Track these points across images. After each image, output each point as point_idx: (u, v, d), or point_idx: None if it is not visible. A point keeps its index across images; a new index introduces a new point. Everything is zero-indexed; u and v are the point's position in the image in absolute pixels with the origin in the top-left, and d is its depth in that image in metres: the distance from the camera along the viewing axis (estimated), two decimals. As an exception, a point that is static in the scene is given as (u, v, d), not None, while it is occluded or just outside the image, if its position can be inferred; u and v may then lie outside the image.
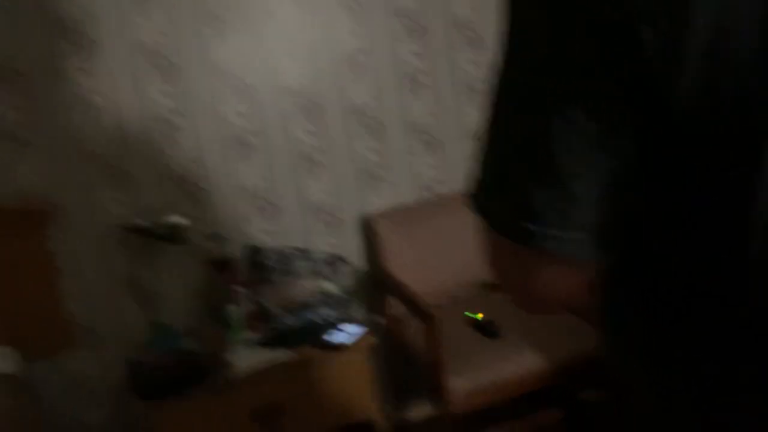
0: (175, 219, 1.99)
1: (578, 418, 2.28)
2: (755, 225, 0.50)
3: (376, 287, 2.40)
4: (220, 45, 2.13)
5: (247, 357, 1.89)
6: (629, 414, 0.66)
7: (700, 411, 0.57)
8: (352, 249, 2.40)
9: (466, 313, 2.22)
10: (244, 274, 2.21)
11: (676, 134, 0.50)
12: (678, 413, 0.59)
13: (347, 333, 1.91)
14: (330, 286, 2.16)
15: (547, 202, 0.52)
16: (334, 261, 2.28)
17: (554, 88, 0.50)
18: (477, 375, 1.95)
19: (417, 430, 2.42)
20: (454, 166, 2.48)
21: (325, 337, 1.91)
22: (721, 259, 0.52)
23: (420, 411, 2.50)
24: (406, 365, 2.33)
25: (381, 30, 2.31)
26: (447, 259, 2.36)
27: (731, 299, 0.52)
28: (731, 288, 0.52)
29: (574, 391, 2.34)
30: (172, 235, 2.00)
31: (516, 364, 1.98)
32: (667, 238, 0.55)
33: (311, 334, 1.94)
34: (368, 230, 2.39)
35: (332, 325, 1.99)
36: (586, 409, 2.28)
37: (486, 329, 2.12)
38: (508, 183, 0.54)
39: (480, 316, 2.19)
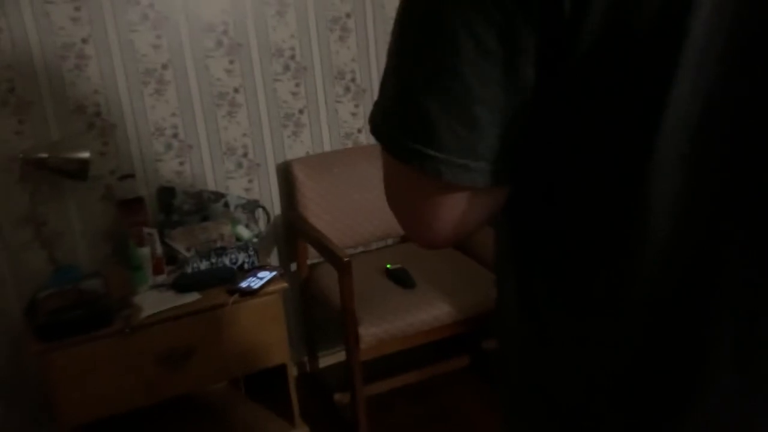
0: (80, 154, 1.89)
1: (482, 366, 2.36)
2: (653, 170, 0.49)
3: (292, 234, 2.37)
4: (133, -29, 2.00)
5: (153, 300, 1.84)
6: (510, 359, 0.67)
7: (577, 366, 0.58)
8: (270, 194, 2.35)
9: (387, 265, 2.23)
10: (154, 216, 2.13)
11: (577, 74, 0.49)
12: (558, 366, 0.60)
13: (259, 278, 1.88)
14: (244, 231, 2.12)
15: (450, 128, 0.50)
16: (250, 206, 2.24)
17: (467, 9, 0.47)
18: (388, 323, 1.97)
19: (329, 376, 2.45)
20: (377, 115, 2.45)
21: (237, 281, 1.87)
22: (616, 209, 0.52)
23: (332, 357, 2.52)
24: (320, 312, 2.34)
25: (307, -31, 2.22)
26: (366, 209, 2.36)
27: (625, 248, 0.52)
28: (626, 234, 0.52)
29: (479, 341, 2.41)
30: (77, 171, 1.89)
31: (426, 313, 2.01)
32: (562, 180, 0.54)
33: (222, 279, 1.90)
34: (286, 176, 2.34)
35: (244, 271, 1.96)
36: (488, 357, 2.36)
37: (401, 279, 2.14)
38: (409, 102, 0.51)
39: (389, 265, 2.21)
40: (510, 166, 0.53)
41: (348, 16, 2.33)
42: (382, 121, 0.54)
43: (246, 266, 1.97)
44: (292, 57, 2.28)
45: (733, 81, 0.47)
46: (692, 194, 0.49)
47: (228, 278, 1.89)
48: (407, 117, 0.51)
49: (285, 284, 1.92)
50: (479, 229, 0.59)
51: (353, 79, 2.39)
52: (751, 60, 0.47)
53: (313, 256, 2.30)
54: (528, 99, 0.50)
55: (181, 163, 2.19)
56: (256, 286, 1.85)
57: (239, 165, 2.28)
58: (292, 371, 2.04)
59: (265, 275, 1.90)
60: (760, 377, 0.53)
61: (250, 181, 2.31)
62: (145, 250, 1.92)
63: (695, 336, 0.52)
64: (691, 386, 0.53)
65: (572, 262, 0.55)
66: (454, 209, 0.54)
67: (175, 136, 2.16)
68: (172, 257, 2.01)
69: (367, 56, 2.39)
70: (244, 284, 1.86)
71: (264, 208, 2.27)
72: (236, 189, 2.29)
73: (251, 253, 1.99)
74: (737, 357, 0.52)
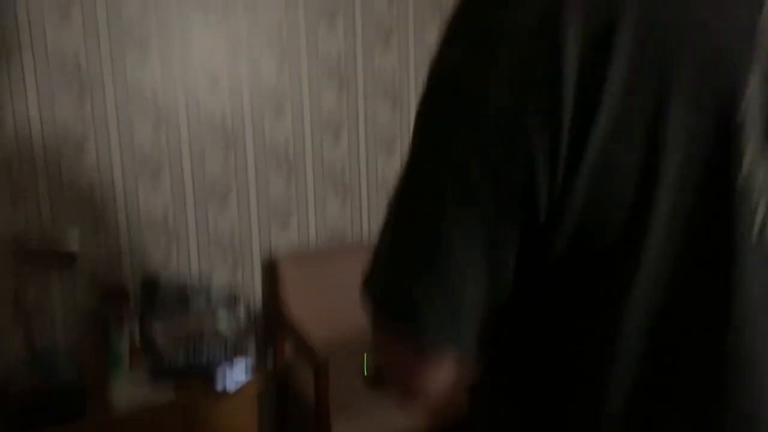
0: (70, 242, 1.92)
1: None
2: (619, 357, 0.53)
3: (272, 328, 2.38)
4: (140, 66, 2.09)
5: (128, 392, 1.82)
6: None
7: None
8: (253, 288, 2.38)
9: (365, 366, 2.23)
10: (136, 305, 2.14)
11: (554, 262, 0.54)
12: None
13: (234, 376, 1.88)
14: (224, 325, 2.13)
15: (433, 299, 0.54)
16: (233, 299, 2.26)
17: (456, 195, 0.52)
18: (361, 425, 1.96)
19: (299, 477, 2.39)
20: (364, 214, 2.52)
21: (213, 378, 1.87)
22: (588, 379, 0.56)
23: (304, 457, 2.47)
24: (296, 409, 2.31)
25: (305, 74, 2.34)
26: (348, 307, 2.38)
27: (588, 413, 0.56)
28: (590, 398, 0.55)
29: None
30: (64, 263, 1.92)
31: (401, 416, 2.00)
32: (535, 351, 0.58)
33: (198, 374, 1.89)
34: (271, 270, 2.38)
35: (221, 366, 1.96)
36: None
37: (378, 380, 2.14)
38: (402, 283, 0.55)
39: (367, 363, 2.21)
40: (478, 347, 0.57)
41: (341, 122, 2.43)
42: (375, 289, 0.59)
43: (222, 361, 1.97)
44: (286, 154, 2.36)
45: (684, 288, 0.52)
46: (645, 377, 0.53)
47: (204, 374, 1.89)
48: (399, 294, 0.56)
49: (260, 384, 1.91)
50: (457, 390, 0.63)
51: (342, 178, 2.47)
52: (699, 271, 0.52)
53: (292, 352, 2.30)
54: (509, 282, 0.55)
55: (168, 254, 2.22)
56: (230, 384, 1.84)
57: (225, 257, 2.32)
58: (262, 472, 2.00)
59: (240, 372, 1.90)
60: None
61: (234, 273, 2.34)
62: (124, 340, 1.92)
63: None
64: None
65: (542, 405, 0.59)
66: (431, 377, 0.58)
67: (164, 227, 2.21)
68: (150, 348, 2.00)
69: (357, 158, 2.48)
70: (218, 381, 1.85)
71: (246, 301, 2.29)
72: (220, 281, 2.32)
73: (227, 348, 1.99)
74: None
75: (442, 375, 0.58)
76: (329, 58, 2.37)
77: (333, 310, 2.37)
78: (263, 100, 2.29)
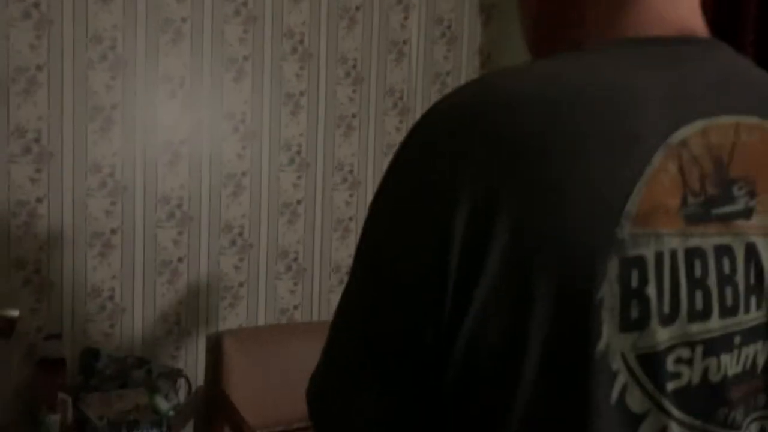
0: (9, 312, 1.89)
1: None
2: None
3: (212, 408, 2.35)
4: (100, 140, 2.12)
5: (53, 473, 1.77)
6: None
7: None
8: (195, 365, 2.35)
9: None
10: (73, 379, 2.10)
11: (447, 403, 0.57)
12: None
13: (168, 460, 1.84)
14: (162, 403, 2.09)
15: (343, 416, 0.60)
16: (173, 374, 2.23)
17: (359, 343, 0.58)
18: None
19: None
20: (315, 295, 2.54)
21: (144, 460, 1.83)
22: None
23: None
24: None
25: (265, 156, 2.40)
26: (291, 389, 2.36)
27: None
28: None
29: None
30: (2, 329, 1.88)
31: None
32: None
33: (130, 456, 1.85)
34: (215, 347, 2.36)
35: (155, 448, 1.92)
36: None
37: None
38: (325, 392, 0.62)
39: (310, 454, 2.18)
40: None
41: (299, 203, 2.48)
42: (314, 392, 0.64)
43: (157, 444, 1.93)
44: (240, 234, 2.39)
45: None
46: None
47: (136, 457, 1.85)
48: (312, 405, 0.63)
49: (194, 469, 1.88)
50: None
51: (295, 259, 2.50)
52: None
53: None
54: (404, 416, 0.59)
55: (112, 326, 2.20)
56: (163, 469, 1.80)
57: (169, 332, 2.30)
58: None
59: (175, 457, 1.86)
60: None
61: (177, 348, 2.32)
62: (55, 417, 1.87)
63: None
64: None
65: None
66: None
67: (110, 298, 2.19)
68: (83, 425, 1.96)
69: (312, 242, 2.52)
70: (151, 465, 1.81)
71: (187, 378, 2.26)
72: (163, 356, 2.29)
73: (164, 429, 1.95)
74: None
75: None
76: (291, 143, 2.43)
77: (276, 392, 2.35)
78: (222, 178, 2.33)
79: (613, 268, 0.53)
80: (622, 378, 0.54)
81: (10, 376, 2.05)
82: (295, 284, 2.51)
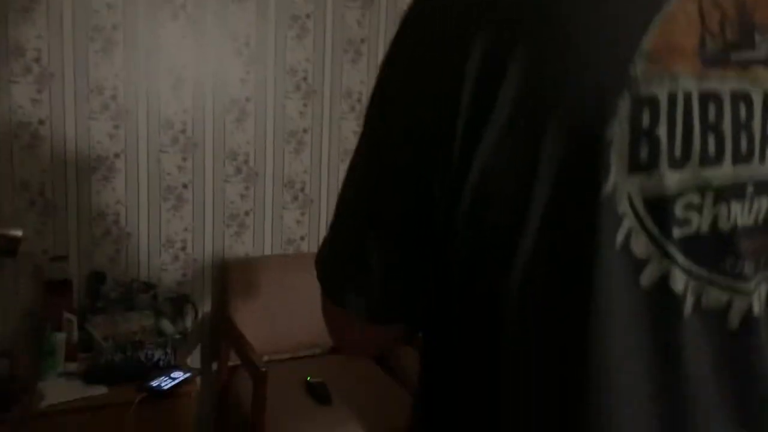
0: (12, 231, 1.89)
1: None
2: (504, 356, 0.56)
3: (217, 334, 2.36)
4: (103, 61, 2.08)
5: (59, 389, 1.79)
6: None
7: None
8: (202, 291, 2.36)
9: (308, 377, 2.22)
10: (80, 301, 2.12)
11: (449, 259, 0.58)
12: None
13: (171, 379, 1.86)
14: (168, 326, 2.11)
15: (349, 273, 0.62)
16: (179, 300, 2.24)
17: (370, 186, 0.60)
18: (297, 439, 1.94)
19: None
20: (322, 226, 2.52)
21: (149, 379, 1.85)
22: (472, 378, 0.60)
23: (241, 466, 2.44)
24: (235, 417, 2.29)
25: (271, 83, 2.34)
26: (298, 316, 2.37)
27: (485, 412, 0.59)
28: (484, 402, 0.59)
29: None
30: (6, 248, 1.89)
31: (340, 430, 1.99)
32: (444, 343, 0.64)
33: (135, 374, 1.87)
34: (222, 274, 2.36)
35: (159, 368, 1.93)
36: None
37: (318, 394, 2.13)
38: (332, 251, 0.65)
39: (310, 378, 2.20)
40: (388, 310, 0.63)
41: (305, 131, 2.44)
42: (319, 253, 0.69)
43: (161, 363, 1.95)
44: (246, 162, 2.36)
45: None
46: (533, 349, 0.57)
47: (139, 374, 1.86)
48: (328, 256, 0.66)
49: (197, 388, 1.89)
50: (391, 349, 0.70)
51: (302, 189, 2.47)
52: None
53: (236, 359, 2.28)
54: (409, 264, 0.60)
55: (117, 251, 2.20)
56: (166, 387, 1.82)
57: (176, 258, 2.30)
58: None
59: (179, 376, 1.88)
60: None
61: (184, 275, 2.32)
62: (61, 336, 1.89)
63: None
64: None
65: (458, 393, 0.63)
66: (354, 332, 0.68)
67: (115, 222, 2.19)
68: (89, 345, 1.98)
69: (318, 169, 2.48)
70: (154, 383, 1.83)
71: (193, 304, 2.27)
72: (169, 282, 2.30)
73: (168, 350, 1.97)
74: None
75: (362, 334, 0.67)
76: (296, 68, 2.38)
77: (282, 320, 2.35)
78: (226, 104, 2.29)
79: (624, 106, 0.52)
80: (627, 222, 0.53)
81: (17, 295, 2.07)
82: (302, 215, 2.49)
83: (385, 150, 0.59)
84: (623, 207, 0.53)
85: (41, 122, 2.03)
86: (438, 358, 0.67)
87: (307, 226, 2.51)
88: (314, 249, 2.54)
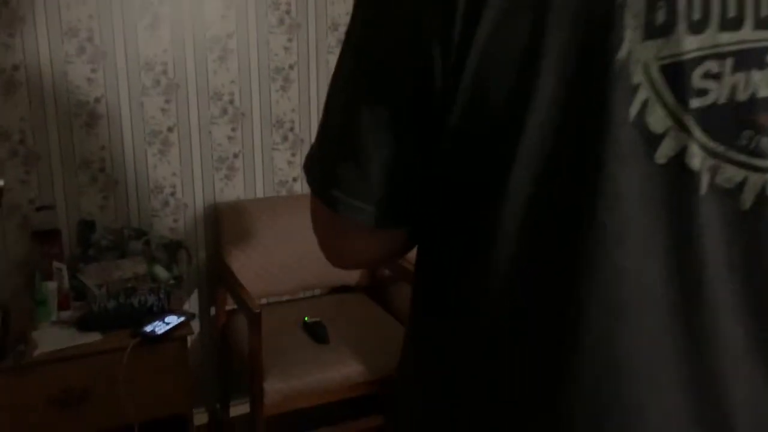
0: (-6, 182, 1.85)
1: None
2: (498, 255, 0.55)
3: (213, 278, 2.35)
4: (75, 2, 2.00)
5: (53, 337, 1.79)
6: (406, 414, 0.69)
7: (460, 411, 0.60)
8: (195, 236, 2.33)
9: (305, 318, 2.21)
10: (69, 249, 2.09)
11: (444, 152, 0.56)
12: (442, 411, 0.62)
13: (165, 323, 1.84)
14: (162, 272, 2.08)
15: (348, 175, 0.59)
16: (172, 246, 2.21)
17: (363, 79, 0.58)
18: (295, 379, 1.94)
19: (239, 426, 2.39)
20: (313, 166, 2.47)
21: (143, 325, 1.83)
22: (469, 264, 0.58)
23: (244, 407, 2.46)
24: (235, 360, 2.29)
25: (253, 18, 2.25)
26: (293, 258, 2.34)
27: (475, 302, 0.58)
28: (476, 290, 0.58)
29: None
30: (-11, 198, 1.85)
31: (336, 371, 1.99)
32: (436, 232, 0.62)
33: (128, 320, 1.86)
34: (214, 219, 2.33)
35: (153, 314, 1.92)
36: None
37: (315, 333, 2.12)
38: (323, 154, 0.62)
39: (307, 318, 2.19)
40: (394, 214, 0.61)
41: (291, 67, 2.36)
42: (307, 160, 0.66)
43: (155, 309, 1.94)
44: (231, 102, 2.29)
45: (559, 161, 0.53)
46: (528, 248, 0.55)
47: (133, 320, 1.85)
48: (321, 163, 0.63)
49: (191, 331, 1.88)
50: (385, 262, 0.70)
51: (292, 129, 2.41)
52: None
53: (232, 303, 2.27)
54: (411, 162, 0.59)
55: (105, 198, 2.16)
56: (160, 332, 1.81)
57: (166, 203, 2.26)
58: (195, 418, 1.99)
59: (172, 320, 1.86)
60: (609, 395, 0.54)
61: (175, 221, 2.29)
62: (53, 285, 1.87)
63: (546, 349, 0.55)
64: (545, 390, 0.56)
65: (444, 278, 0.62)
66: (353, 241, 0.65)
67: (101, 170, 2.14)
68: (82, 293, 1.96)
69: (308, 107, 2.42)
70: (148, 328, 1.82)
71: (186, 249, 2.25)
72: (160, 228, 2.26)
73: (162, 296, 1.95)
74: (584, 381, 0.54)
75: (357, 243, 0.65)
76: (279, 1, 2.28)
77: (276, 263, 2.33)
78: (207, 42, 2.20)
79: None
80: (642, 93, 0.50)
81: (6, 247, 2.04)
82: (293, 155, 2.44)
83: (381, 40, 0.57)
84: (638, 76, 0.49)
85: (15, 68, 1.96)
86: (433, 267, 0.64)
87: (299, 166, 2.45)
88: (307, 190, 2.49)
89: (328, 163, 0.61)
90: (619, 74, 0.50)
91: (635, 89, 0.50)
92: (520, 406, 0.56)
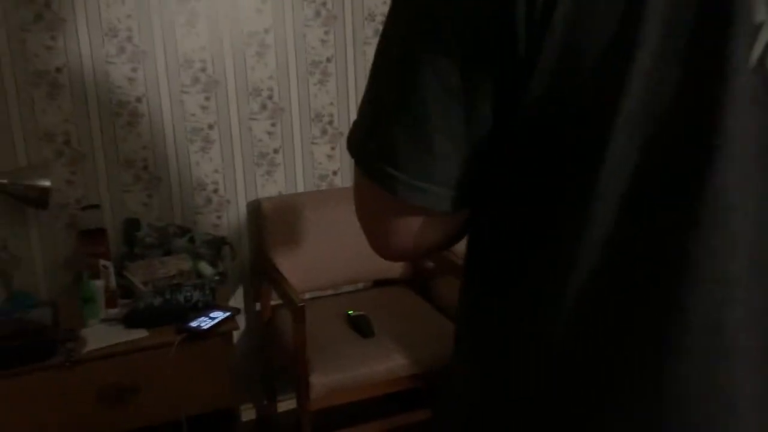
0: (42, 181, 1.88)
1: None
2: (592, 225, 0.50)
3: (258, 274, 2.35)
4: (114, 2, 2.02)
5: (101, 334, 1.81)
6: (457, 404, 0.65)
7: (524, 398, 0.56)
8: (239, 232, 2.34)
9: (349, 311, 2.19)
10: (115, 248, 2.12)
11: (526, 121, 0.51)
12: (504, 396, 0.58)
13: (210, 319, 1.85)
14: (207, 269, 2.09)
15: (411, 153, 0.53)
16: (217, 242, 2.22)
17: (433, 49, 0.51)
18: (340, 373, 1.92)
19: (281, 423, 2.39)
20: (354, 159, 2.44)
21: (189, 321, 1.84)
22: (557, 243, 0.53)
23: (291, 403, 2.46)
24: (280, 355, 2.29)
25: (290, 12, 2.24)
26: (336, 252, 2.33)
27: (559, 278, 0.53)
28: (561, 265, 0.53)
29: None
30: (37, 199, 1.89)
31: (381, 364, 1.96)
32: (511, 210, 0.56)
33: (174, 317, 1.87)
34: (256, 215, 2.33)
35: (199, 309, 1.93)
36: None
37: (360, 327, 2.10)
38: (379, 127, 0.55)
39: (351, 312, 2.17)
40: (466, 194, 0.55)
41: (329, 60, 2.34)
42: (355, 137, 0.59)
43: (200, 305, 1.94)
44: (270, 97, 2.28)
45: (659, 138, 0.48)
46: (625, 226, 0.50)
47: (179, 316, 1.86)
48: (375, 138, 0.55)
49: (236, 326, 1.88)
50: (437, 251, 0.62)
51: (330, 122, 2.39)
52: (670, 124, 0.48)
53: (277, 298, 2.27)
54: (486, 134, 0.53)
55: (149, 196, 2.18)
56: (205, 327, 1.81)
57: (209, 201, 2.27)
58: (243, 413, 1.99)
59: (218, 316, 1.87)
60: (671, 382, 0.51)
61: (218, 217, 2.30)
62: (100, 283, 1.90)
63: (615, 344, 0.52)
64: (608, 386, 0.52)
65: (519, 270, 0.57)
66: (408, 227, 0.58)
67: (145, 168, 2.16)
68: (129, 291, 1.98)
69: (346, 100, 2.39)
70: (193, 324, 1.82)
71: (231, 246, 2.25)
72: (204, 225, 2.28)
73: (207, 291, 1.96)
74: (649, 377, 0.51)
75: (414, 230, 0.58)
76: (315, -6, 2.27)
77: (320, 257, 2.32)
78: (244, 38, 2.20)
79: None
80: (766, 33, 0.45)
81: (55, 246, 2.08)
82: (332, 149, 2.42)
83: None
84: (762, 14, 0.44)
85: (59, 70, 1.99)
86: (497, 253, 0.58)
87: (339, 160, 2.44)
88: (348, 183, 2.48)
89: (383, 138, 0.54)
90: (740, 14, 0.44)
91: (758, 29, 0.45)
92: (611, 397, 0.52)
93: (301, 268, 2.29)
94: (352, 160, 0.59)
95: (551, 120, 0.50)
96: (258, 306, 2.38)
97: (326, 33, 2.31)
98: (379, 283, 2.51)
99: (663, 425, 0.51)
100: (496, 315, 0.59)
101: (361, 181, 0.59)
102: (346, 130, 2.41)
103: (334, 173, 2.44)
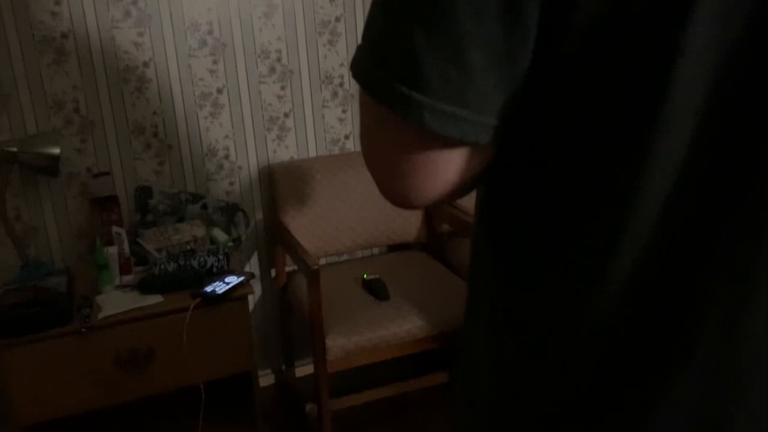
0: (51, 149, 1.87)
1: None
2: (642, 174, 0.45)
3: (272, 239, 2.33)
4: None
5: (116, 300, 1.81)
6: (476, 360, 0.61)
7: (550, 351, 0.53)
8: (251, 198, 2.32)
9: (365, 275, 2.18)
10: (128, 215, 2.11)
11: (582, 38, 0.44)
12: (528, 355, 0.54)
13: (225, 283, 1.84)
14: (220, 235, 2.08)
15: (439, 68, 0.43)
16: (230, 209, 2.20)
17: None
18: (357, 335, 1.91)
19: (299, 387, 2.39)
20: (366, 122, 2.40)
21: (204, 286, 1.83)
22: (601, 195, 0.47)
23: (309, 367, 2.47)
24: (297, 320, 2.29)
25: (296, -30, 2.19)
26: (350, 217, 2.31)
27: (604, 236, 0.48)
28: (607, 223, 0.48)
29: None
30: (47, 166, 1.87)
31: (397, 326, 1.95)
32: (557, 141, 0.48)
33: (189, 282, 1.86)
34: (269, 180, 2.30)
35: (213, 275, 1.92)
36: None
37: (376, 290, 2.08)
38: (397, 41, 0.44)
39: (366, 275, 2.15)
40: (504, 122, 0.46)
41: (338, 19, 2.29)
42: (362, 58, 0.48)
43: (215, 270, 1.93)
44: (279, 59, 2.24)
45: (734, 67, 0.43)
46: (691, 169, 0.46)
47: (193, 282, 1.85)
48: (392, 52, 0.45)
49: (251, 290, 1.87)
50: (459, 195, 0.53)
51: (341, 84, 2.35)
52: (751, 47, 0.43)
53: (292, 264, 2.25)
54: (528, 51, 0.44)
55: (161, 163, 2.16)
56: (220, 291, 1.80)
57: (220, 167, 2.25)
58: (261, 380, 1.99)
59: (232, 280, 1.86)
60: (739, 359, 0.48)
61: (231, 183, 2.27)
62: (113, 250, 1.89)
63: (679, 310, 0.48)
64: (670, 361, 0.49)
65: (559, 224, 0.50)
66: (435, 163, 0.47)
67: (155, 135, 2.14)
68: (143, 258, 1.98)
69: (356, 61, 2.34)
70: (208, 288, 1.81)
71: (244, 212, 2.23)
72: (216, 191, 2.26)
73: (221, 257, 1.95)
74: (718, 338, 0.48)
75: (441, 166, 0.48)
76: (322, -48, 2.21)
77: (333, 222, 2.30)
78: (251, 3, 2.15)
79: None
80: None
81: (68, 214, 2.07)
82: (344, 112, 2.38)
83: None
84: None
85: (64, 36, 1.96)
86: (521, 213, 0.52)
87: (351, 123, 2.40)
88: (360, 148, 2.44)
89: (402, 53, 0.44)
90: None
91: None
92: (639, 360, 0.49)
93: (315, 234, 2.27)
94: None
95: (605, 50, 0.44)
96: (273, 272, 2.37)
97: (334, -8, 2.26)
98: (394, 248, 2.48)
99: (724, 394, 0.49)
100: (539, 290, 0.52)
101: (369, 109, 0.49)
102: (356, 93, 2.36)
103: (346, 137, 2.41)
